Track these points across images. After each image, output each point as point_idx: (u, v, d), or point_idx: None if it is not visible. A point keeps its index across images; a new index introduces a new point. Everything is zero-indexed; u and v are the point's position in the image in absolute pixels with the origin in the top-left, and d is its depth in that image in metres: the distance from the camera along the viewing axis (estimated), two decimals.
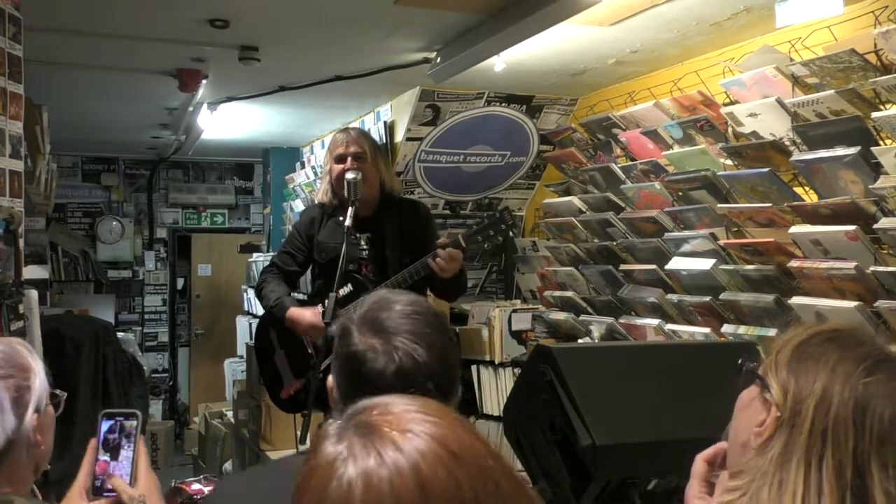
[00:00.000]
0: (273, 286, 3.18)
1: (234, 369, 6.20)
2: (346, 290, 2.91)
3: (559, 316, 3.97)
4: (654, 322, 3.35)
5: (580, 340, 3.79)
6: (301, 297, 3.40)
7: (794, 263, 2.68)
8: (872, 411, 1.06)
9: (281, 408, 3.28)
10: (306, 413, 2.91)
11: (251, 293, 6.47)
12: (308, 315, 3.02)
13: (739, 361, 1.23)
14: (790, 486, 1.06)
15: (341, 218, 3.07)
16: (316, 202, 3.29)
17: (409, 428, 0.79)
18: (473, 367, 4.18)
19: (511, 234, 2.84)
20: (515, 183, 4.83)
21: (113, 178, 7.80)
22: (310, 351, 3.10)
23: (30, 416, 1.42)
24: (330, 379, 1.40)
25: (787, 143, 2.75)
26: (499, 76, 3.75)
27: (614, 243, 3.62)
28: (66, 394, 1.56)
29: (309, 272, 3.41)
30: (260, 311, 6.09)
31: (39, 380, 1.45)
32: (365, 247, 3.06)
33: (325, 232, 3.16)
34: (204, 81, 4.09)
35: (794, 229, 2.67)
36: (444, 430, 0.80)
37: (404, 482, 0.76)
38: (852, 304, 2.50)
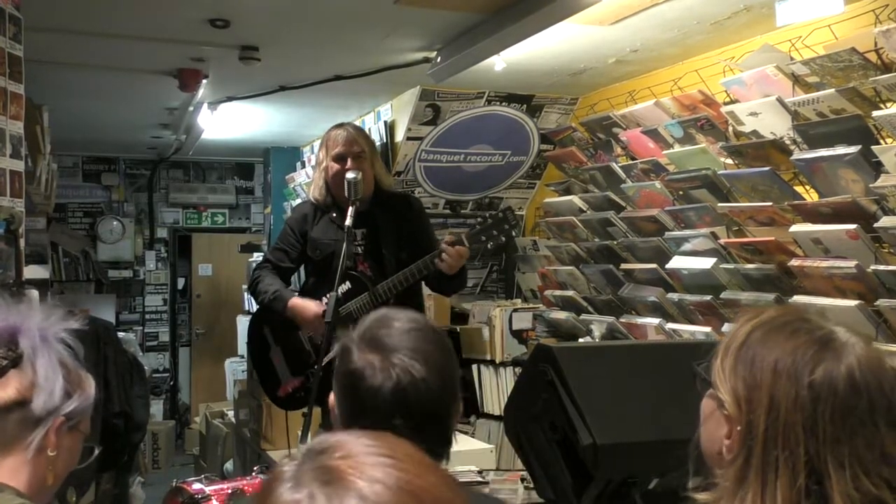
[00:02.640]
0: (269, 280, 3.13)
1: (235, 369, 6.20)
2: (345, 287, 2.89)
3: (560, 315, 3.97)
4: (655, 321, 3.35)
5: (581, 340, 3.79)
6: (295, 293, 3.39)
7: (794, 262, 2.68)
8: (822, 410, 1.01)
9: (278, 405, 3.26)
10: (306, 412, 2.90)
11: None
12: (312, 307, 2.94)
13: (694, 365, 1.18)
14: (749, 502, 1.02)
15: (334, 214, 3.05)
16: (308, 198, 3.24)
17: (374, 475, 0.73)
18: (474, 367, 4.19)
19: (513, 234, 2.82)
20: (516, 182, 4.83)
21: (113, 177, 7.80)
22: (307, 348, 3.08)
23: (59, 413, 1.39)
24: (331, 397, 1.40)
25: (788, 141, 2.75)
26: (499, 75, 3.74)
27: (615, 242, 3.62)
28: (100, 449, 1.56)
29: (302, 269, 3.39)
30: None
31: (81, 399, 1.44)
32: (361, 243, 3.04)
33: (318, 228, 3.13)
34: (204, 81, 4.09)
35: (794, 228, 2.67)
36: (410, 476, 0.74)
37: None
38: (853, 302, 2.50)
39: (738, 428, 1.07)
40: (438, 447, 1.33)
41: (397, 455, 0.76)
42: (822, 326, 1.09)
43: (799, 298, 2.68)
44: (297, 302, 2.99)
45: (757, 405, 1.05)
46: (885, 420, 1.02)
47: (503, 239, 2.80)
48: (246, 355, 4.88)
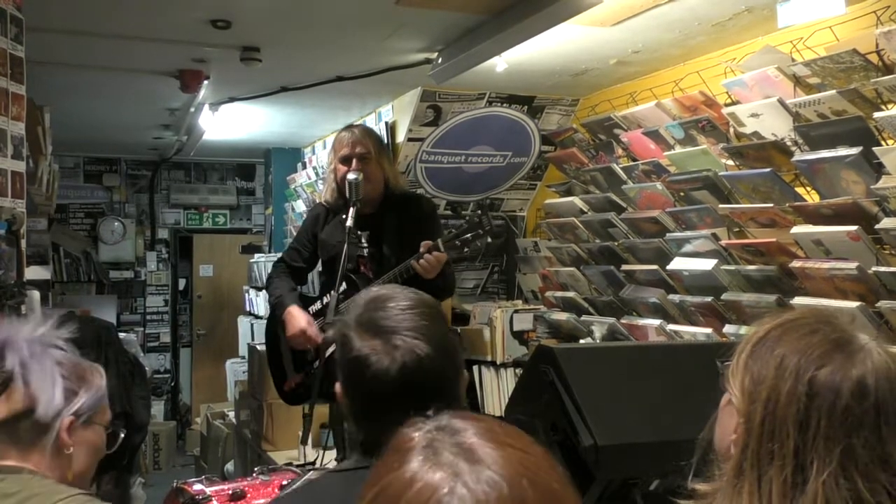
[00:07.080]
0: (278, 282, 3.21)
1: (236, 370, 6.20)
2: (342, 288, 2.92)
3: (561, 316, 3.97)
4: (656, 322, 3.35)
5: (582, 341, 3.79)
6: (313, 295, 3.41)
7: (795, 264, 2.68)
8: (819, 406, 1.01)
9: (285, 400, 3.32)
10: (307, 413, 2.92)
11: (253, 294, 6.48)
12: (301, 322, 3.02)
13: (719, 363, 1.19)
14: (745, 497, 1.02)
15: (343, 216, 3.07)
16: (321, 200, 3.30)
17: (502, 456, 0.75)
18: (475, 368, 4.18)
19: (490, 239, 2.79)
20: (517, 183, 4.83)
21: (115, 178, 7.81)
22: (308, 346, 3.11)
23: (66, 414, 1.46)
24: (337, 386, 1.40)
25: (789, 143, 2.75)
26: (500, 76, 3.74)
27: (616, 244, 3.62)
28: (124, 433, 1.61)
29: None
30: (261, 310, 6.11)
31: (89, 395, 1.51)
32: (365, 245, 3.06)
33: (327, 230, 3.18)
34: (205, 82, 4.09)
35: (795, 229, 2.67)
36: (537, 466, 0.76)
37: None
38: (854, 304, 2.49)
39: (742, 420, 1.08)
40: None
41: (522, 444, 0.78)
42: (843, 330, 1.08)
43: (800, 300, 2.68)
44: (292, 311, 3.06)
45: (757, 398, 1.06)
46: (891, 426, 1.01)
47: (479, 245, 2.77)
48: (248, 356, 4.90)
